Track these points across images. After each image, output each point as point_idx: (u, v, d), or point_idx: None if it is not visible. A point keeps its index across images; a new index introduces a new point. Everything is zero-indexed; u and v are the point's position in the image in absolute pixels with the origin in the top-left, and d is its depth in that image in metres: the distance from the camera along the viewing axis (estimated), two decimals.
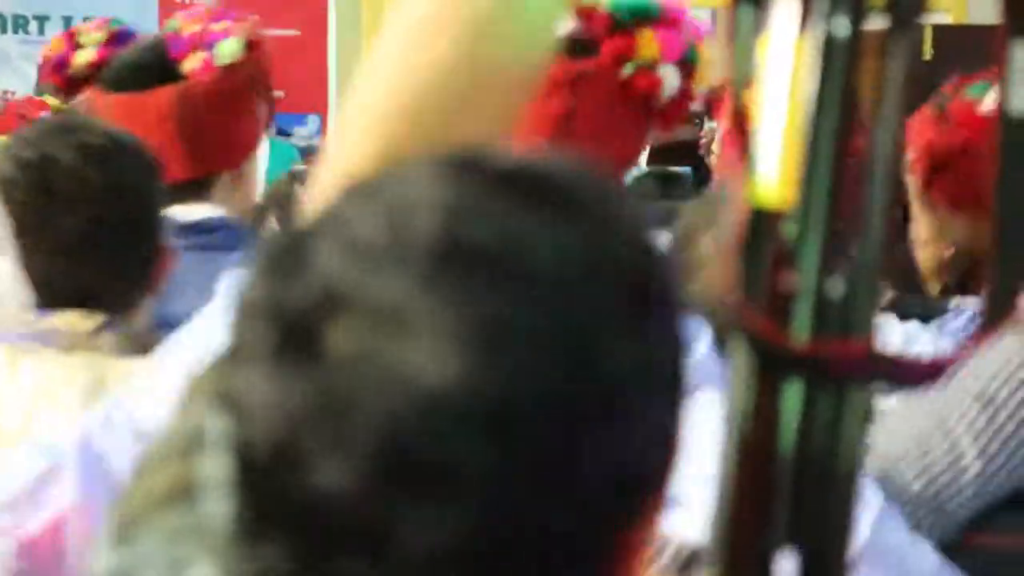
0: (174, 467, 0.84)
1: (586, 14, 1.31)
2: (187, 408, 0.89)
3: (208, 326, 1.39)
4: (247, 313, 0.65)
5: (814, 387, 0.71)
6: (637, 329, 0.64)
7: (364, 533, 0.61)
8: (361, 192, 0.66)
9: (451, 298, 0.59)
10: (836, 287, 0.70)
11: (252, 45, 1.93)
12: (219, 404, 0.72)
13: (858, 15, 0.69)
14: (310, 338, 0.60)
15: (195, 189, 1.92)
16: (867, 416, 0.72)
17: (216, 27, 1.88)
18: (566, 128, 1.37)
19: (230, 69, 1.86)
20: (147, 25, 4.52)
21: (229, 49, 1.85)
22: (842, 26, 0.68)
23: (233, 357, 0.66)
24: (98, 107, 1.98)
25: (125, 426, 1.28)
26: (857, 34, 0.68)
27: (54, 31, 4.52)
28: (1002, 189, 0.70)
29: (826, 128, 0.69)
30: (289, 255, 0.64)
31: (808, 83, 0.69)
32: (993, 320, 0.70)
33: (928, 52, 5.38)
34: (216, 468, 0.76)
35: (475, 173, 0.64)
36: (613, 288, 0.64)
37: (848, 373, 0.72)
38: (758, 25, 0.71)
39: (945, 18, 4.94)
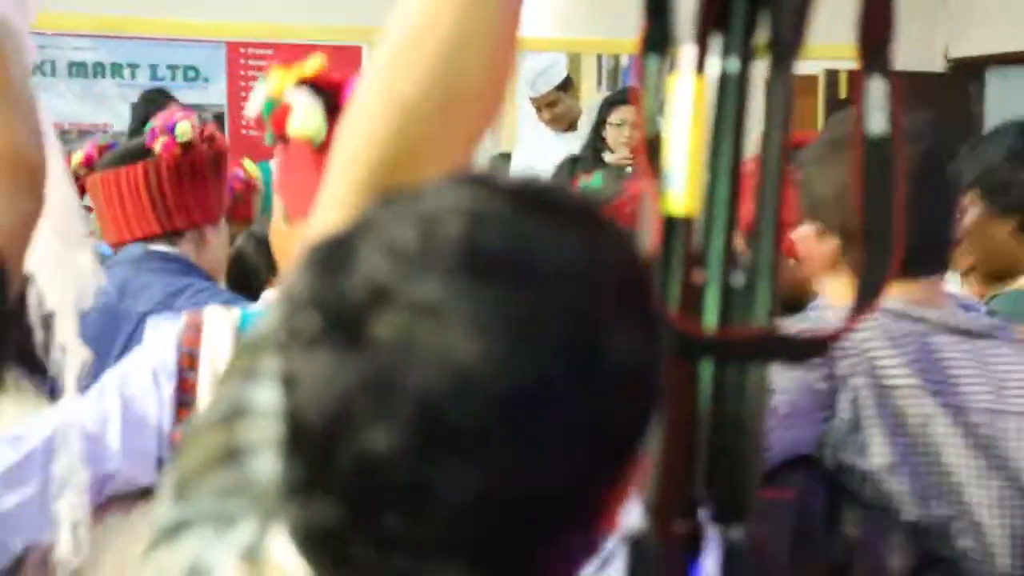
0: (219, 434, 0.91)
1: None
2: (226, 384, 0.96)
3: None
4: (300, 305, 0.70)
5: (722, 365, 0.82)
6: (629, 319, 0.70)
7: (405, 490, 0.66)
8: (393, 203, 0.72)
9: (475, 293, 0.65)
10: (738, 279, 0.82)
11: (209, 136, 2.44)
12: (274, 382, 0.78)
13: (747, 56, 0.80)
14: (357, 326, 0.66)
15: (164, 240, 2.38)
16: (766, 386, 0.84)
17: (179, 115, 2.40)
18: None
19: (187, 148, 2.33)
20: (216, 71, 5.33)
21: (183, 129, 2.31)
22: (733, 64, 0.80)
23: (287, 342, 0.71)
24: (88, 185, 2.44)
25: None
26: (746, 71, 0.80)
27: (144, 76, 5.29)
28: (864, 196, 0.82)
29: (724, 147, 0.81)
30: (335, 256, 0.70)
31: (707, 112, 0.80)
32: (862, 306, 0.83)
33: (844, 92, 5.56)
34: (262, 434, 0.85)
35: (488, 187, 0.71)
36: (610, 285, 0.70)
37: (748, 353, 0.83)
38: (664, 69, 0.82)
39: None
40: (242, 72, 5.22)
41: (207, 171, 2.44)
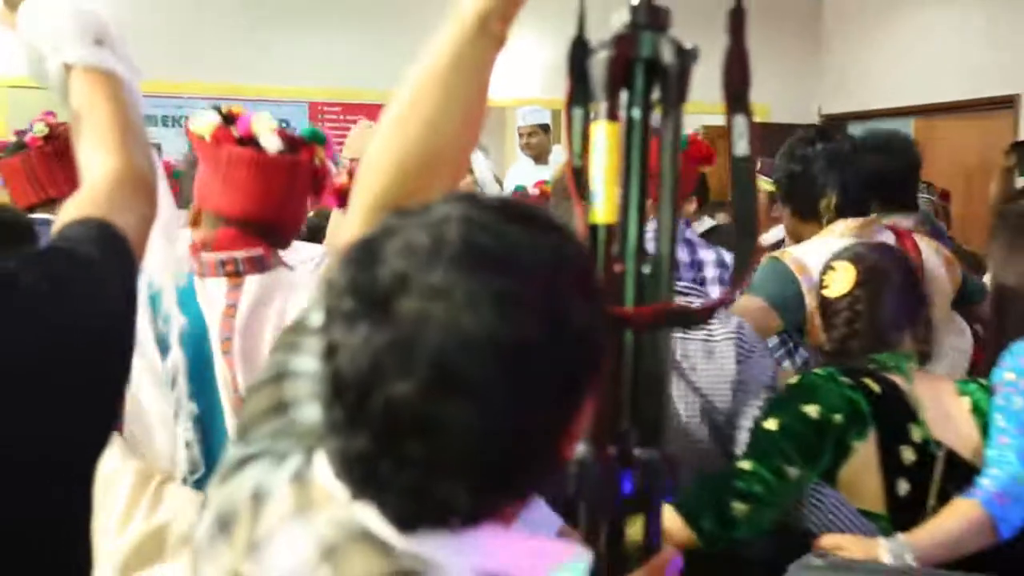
0: (271, 392, 1.06)
1: (287, 136, 2.12)
2: (274, 354, 1.11)
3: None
4: (339, 292, 0.85)
5: (639, 334, 1.05)
6: (583, 297, 0.85)
7: (422, 425, 0.80)
8: (406, 214, 0.87)
9: (473, 279, 0.80)
10: (647, 268, 1.04)
11: (62, 127, 3.08)
12: (312, 354, 0.94)
13: (646, 108, 1.04)
14: (385, 305, 0.80)
15: (45, 208, 3.08)
16: (669, 348, 1.06)
17: (37, 119, 3.18)
18: (290, 191, 2.10)
19: (46, 138, 3.13)
20: (301, 123, 6.92)
21: (38, 128, 3.14)
22: (636, 113, 1.04)
23: (328, 320, 0.86)
24: None
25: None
26: (646, 118, 1.04)
27: None
28: (734, 199, 1.07)
29: (633, 172, 1.04)
30: (366, 255, 0.85)
31: (620, 148, 1.03)
32: (738, 279, 1.08)
33: None
34: (303, 391, 1.01)
35: (477, 203, 0.86)
36: (570, 273, 0.85)
37: (655, 324, 1.05)
38: (587, 117, 1.05)
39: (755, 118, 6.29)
40: (319, 123, 7.18)
41: (69, 152, 3.01)
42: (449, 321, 0.80)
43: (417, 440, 0.82)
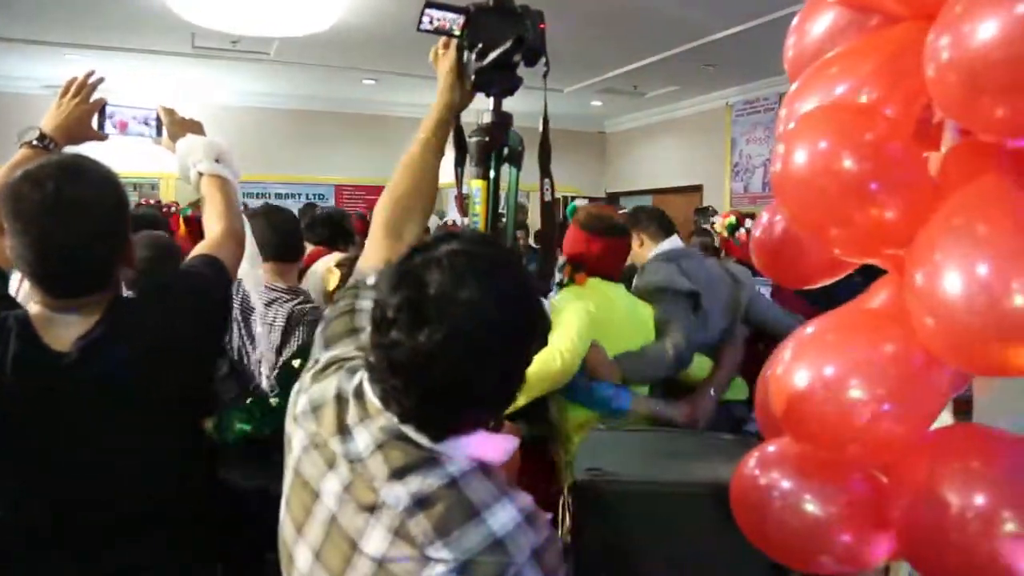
0: (346, 319, 1.38)
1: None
2: (343, 296, 1.44)
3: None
4: (395, 308, 1.10)
5: None
6: (529, 282, 1.17)
7: (461, 381, 1.09)
8: (421, 250, 1.14)
9: (482, 281, 1.07)
10: None
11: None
12: (371, 300, 1.19)
13: (498, 171, 1.77)
14: (436, 314, 1.07)
15: None
16: None
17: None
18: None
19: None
20: (331, 196, 10.95)
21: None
22: (492, 175, 1.75)
23: (383, 325, 1.10)
24: None
25: None
26: (498, 178, 1.76)
27: (303, 199, 10.05)
28: (543, 229, 1.78)
29: (491, 205, 1.74)
30: (411, 280, 1.10)
31: (486, 193, 1.75)
32: (545, 276, 1.78)
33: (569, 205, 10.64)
34: (367, 322, 1.23)
35: (461, 239, 1.14)
36: (522, 270, 1.18)
37: None
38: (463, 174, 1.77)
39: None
40: (345, 197, 11.00)
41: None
42: (463, 309, 1.09)
43: (455, 395, 1.12)
